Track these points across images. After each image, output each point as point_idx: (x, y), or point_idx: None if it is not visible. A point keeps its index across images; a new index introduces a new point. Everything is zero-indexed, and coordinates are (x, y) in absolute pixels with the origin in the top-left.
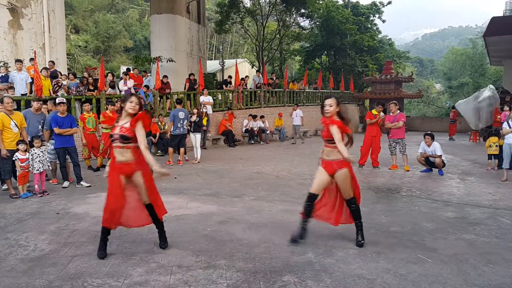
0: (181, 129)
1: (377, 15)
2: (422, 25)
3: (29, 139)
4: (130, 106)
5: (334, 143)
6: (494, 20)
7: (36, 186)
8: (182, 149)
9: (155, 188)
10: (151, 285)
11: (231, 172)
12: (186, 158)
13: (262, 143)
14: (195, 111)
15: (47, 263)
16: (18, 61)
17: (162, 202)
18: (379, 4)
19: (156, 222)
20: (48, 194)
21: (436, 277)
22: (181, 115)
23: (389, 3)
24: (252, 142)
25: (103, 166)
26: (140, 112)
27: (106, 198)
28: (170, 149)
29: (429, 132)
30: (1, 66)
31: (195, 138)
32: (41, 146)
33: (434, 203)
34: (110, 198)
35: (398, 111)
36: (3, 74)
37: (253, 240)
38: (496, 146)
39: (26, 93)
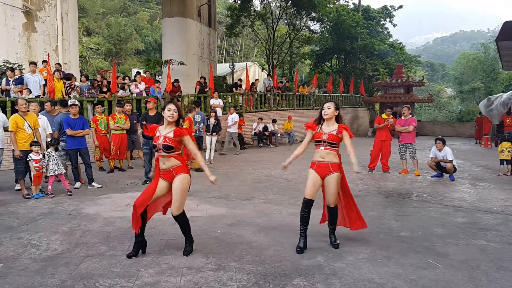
0: (197, 132)
1: (388, 19)
2: (433, 29)
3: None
4: (169, 114)
5: (335, 146)
6: (506, 25)
7: (49, 187)
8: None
9: (186, 195)
10: (161, 286)
11: (241, 175)
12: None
13: (271, 146)
14: (212, 114)
15: (59, 263)
16: (32, 63)
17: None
18: (390, 8)
19: (186, 230)
20: (70, 194)
21: (447, 282)
22: (197, 118)
23: (400, 7)
24: (262, 145)
25: (117, 168)
26: (183, 129)
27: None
28: None
29: (440, 136)
30: (16, 68)
31: (211, 141)
32: (57, 149)
33: (444, 208)
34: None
35: (410, 115)
36: (18, 76)
37: (263, 243)
38: (509, 151)
39: (40, 95)
